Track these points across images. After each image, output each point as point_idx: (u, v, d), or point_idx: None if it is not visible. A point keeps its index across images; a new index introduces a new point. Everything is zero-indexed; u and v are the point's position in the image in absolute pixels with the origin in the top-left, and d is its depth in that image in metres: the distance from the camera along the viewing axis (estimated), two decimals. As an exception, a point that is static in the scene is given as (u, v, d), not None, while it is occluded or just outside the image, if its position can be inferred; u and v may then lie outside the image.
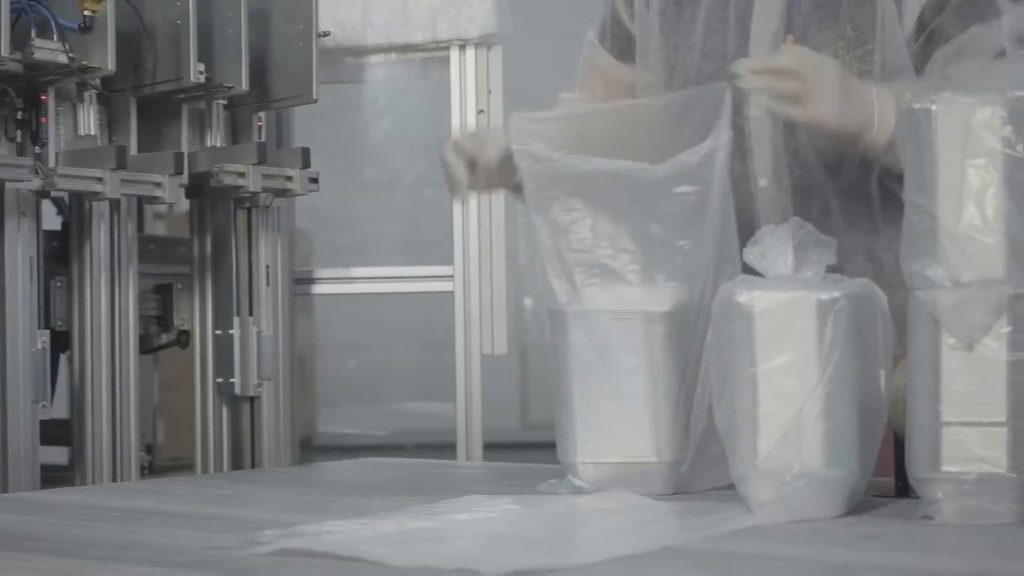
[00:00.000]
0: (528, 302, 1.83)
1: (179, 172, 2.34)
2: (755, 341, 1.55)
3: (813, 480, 1.51)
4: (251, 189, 2.43)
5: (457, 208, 2.84)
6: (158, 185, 2.33)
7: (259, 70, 2.53)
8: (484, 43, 2.85)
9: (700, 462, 1.70)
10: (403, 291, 2.98)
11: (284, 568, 1.25)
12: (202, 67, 2.39)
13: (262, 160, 2.42)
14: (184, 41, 2.34)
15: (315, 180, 2.55)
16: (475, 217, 2.83)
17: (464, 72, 2.86)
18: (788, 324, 1.53)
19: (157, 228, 3.43)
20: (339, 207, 4.17)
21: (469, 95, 2.85)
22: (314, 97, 2.49)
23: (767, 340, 1.54)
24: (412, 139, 3.47)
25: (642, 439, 1.71)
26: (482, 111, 2.85)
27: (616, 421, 1.71)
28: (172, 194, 2.35)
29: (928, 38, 1.93)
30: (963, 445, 1.46)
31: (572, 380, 1.73)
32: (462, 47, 2.85)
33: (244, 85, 2.42)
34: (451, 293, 2.84)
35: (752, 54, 1.97)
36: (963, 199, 1.46)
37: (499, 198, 2.84)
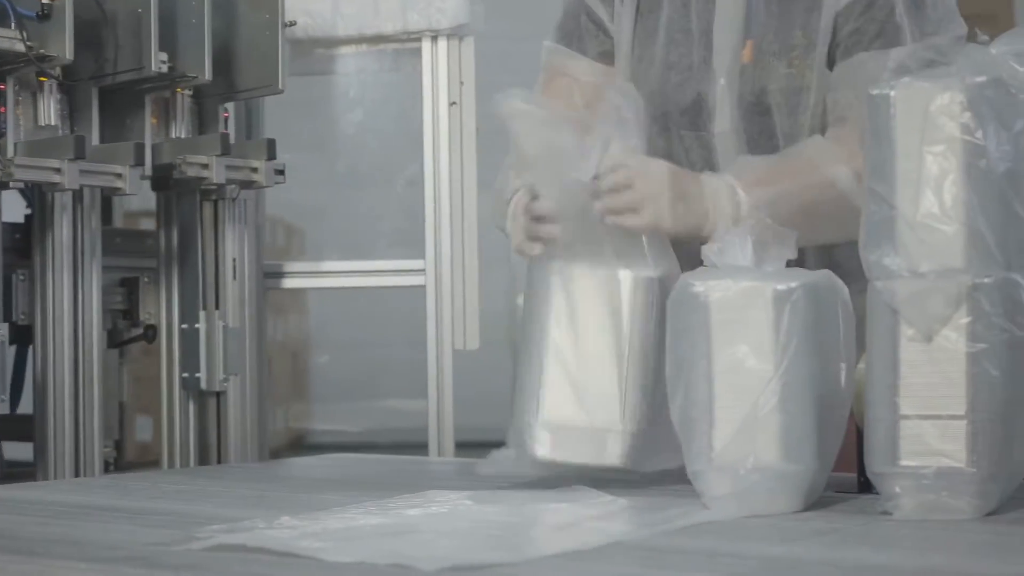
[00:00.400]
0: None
1: (140, 163, 2.31)
2: (711, 332, 1.52)
3: (769, 474, 1.48)
4: (215, 180, 2.40)
5: (429, 201, 2.81)
6: (119, 176, 2.30)
7: (225, 60, 2.50)
8: (456, 34, 2.82)
9: (660, 438, 1.66)
10: (374, 285, 2.95)
11: (215, 563, 1.23)
12: (164, 57, 2.36)
13: (225, 151, 2.39)
14: (145, 30, 2.31)
15: (281, 172, 2.52)
16: (447, 210, 2.80)
17: (436, 63, 2.83)
18: (744, 314, 1.51)
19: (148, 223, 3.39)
20: (312, 200, 4.16)
21: (441, 87, 2.82)
22: (280, 87, 2.46)
23: (723, 331, 1.51)
24: (384, 131, 3.43)
25: (609, 404, 1.67)
26: (454, 103, 2.82)
27: (586, 384, 1.68)
28: (133, 185, 2.31)
29: (835, 48, 1.91)
30: (921, 439, 1.43)
31: (547, 336, 1.69)
32: (434, 38, 2.82)
33: (207, 75, 2.39)
34: (423, 287, 2.81)
35: (716, 66, 1.94)
36: (921, 187, 1.43)
37: (471, 189, 2.82)
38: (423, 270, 2.82)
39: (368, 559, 1.19)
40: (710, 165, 1.94)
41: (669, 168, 1.79)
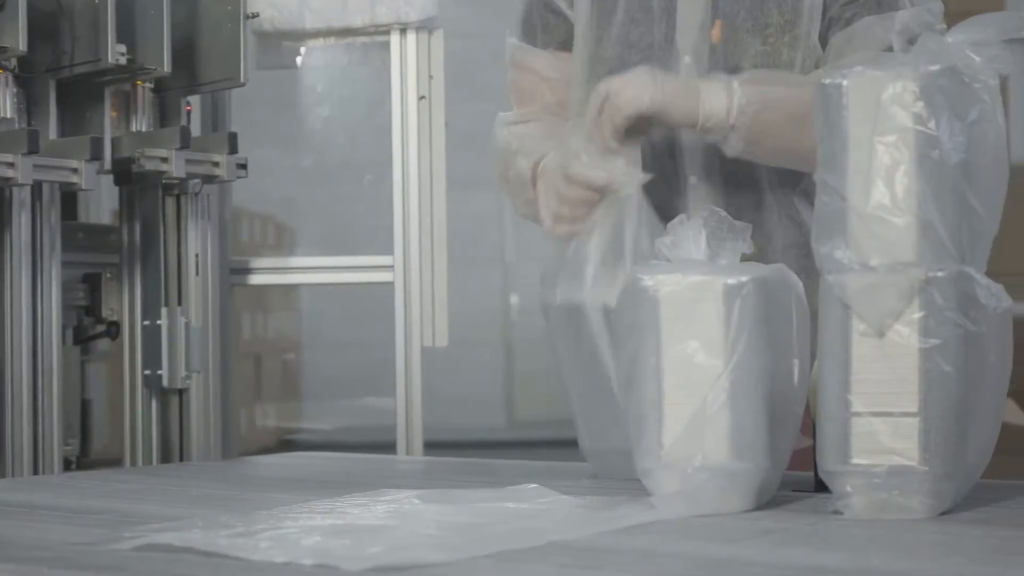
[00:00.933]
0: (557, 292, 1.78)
1: (97, 158, 2.27)
2: (660, 327, 1.49)
3: (717, 473, 1.45)
4: (174, 175, 2.37)
5: (397, 196, 2.78)
6: (74, 171, 2.27)
7: (186, 52, 2.47)
8: (425, 27, 2.79)
9: None
10: (342, 282, 2.91)
11: (138, 564, 1.19)
12: (123, 48, 2.32)
13: (185, 145, 2.36)
14: (103, 21, 2.27)
15: (243, 166, 2.49)
16: (416, 206, 2.77)
17: (405, 57, 2.80)
18: (693, 309, 1.47)
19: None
20: (279, 194, 4.13)
21: (410, 81, 2.79)
22: (242, 80, 2.43)
23: (672, 326, 1.48)
24: (353, 125, 3.40)
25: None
26: (423, 97, 2.78)
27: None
28: (89, 180, 2.28)
29: (829, 23, 1.88)
30: (873, 436, 1.40)
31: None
32: (402, 31, 2.79)
33: (166, 67, 2.35)
34: (391, 284, 2.78)
35: (679, 44, 1.91)
36: (872, 178, 1.40)
37: (440, 185, 2.78)
38: (392, 266, 2.78)
39: (295, 559, 1.16)
40: (673, 146, 1.91)
41: (649, 67, 1.79)
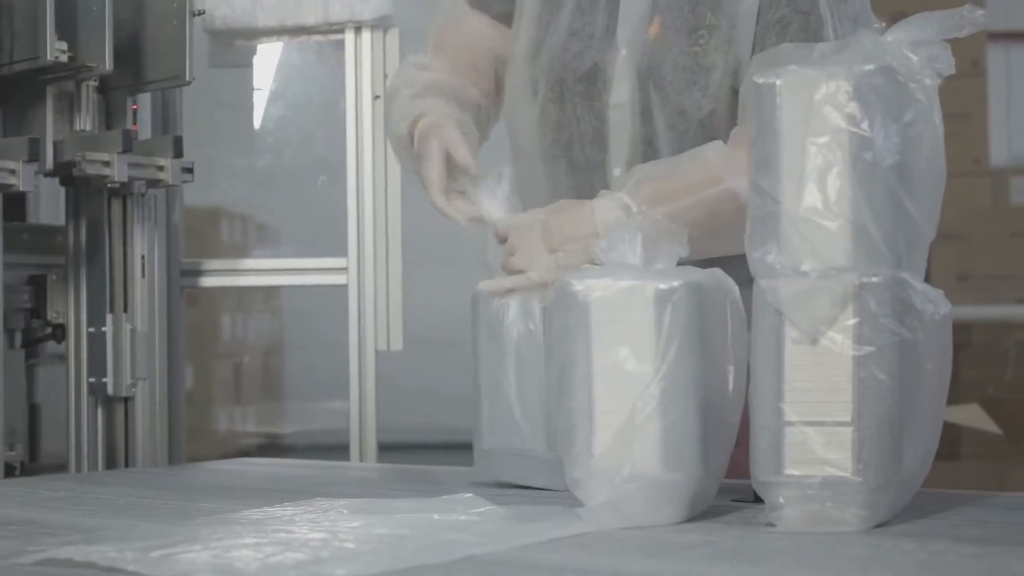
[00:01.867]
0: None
1: (35, 159, 2.23)
2: (590, 333, 1.46)
3: (647, 483, 1.42)
4: (116, 179, 2.32)
5: (351, 197, 2.74)
6: (12, 172, 2.22)
7: (131, 50, 2.42)
8: (380, 26, 2.75)
9: None
10: (295, 284, 2.87)
11: (32, 580, 1.16)
12: (64, 46, 2.28)
13: (128, 148, 2.31)
14: (42, 17, 2.23)
15: (190, 170, 2.44)
16: (370, 206, 2.73)
17: (359, 56, 2.76)
18: (624, 315, 1.44)
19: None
20: (232, 196, 4.10)
21: (364, 80, 2.75)
22: (188, 79, 2.38)
23: (602, 332, 1.45)
24: (307, 126, 3.37)
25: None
26: (378, 97, 2.75)
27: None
28: (26, 182, 2.23)
29: (763, 28, 1.86)
30: (806, 446, 1.37)
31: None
32: (357, 30, 2.75)
33: (108, 65, 2.31)
34: (345, 286, 2.74)
35: (620, 36, 1.90)
36: (805, 180, 1.37)
37: (395, 186, 2.74)
38: (345, 268, 2.75)
39: (189, 572, 1.13)
40: (601, 136, 1.90)
41: (546, 213, 1.80)
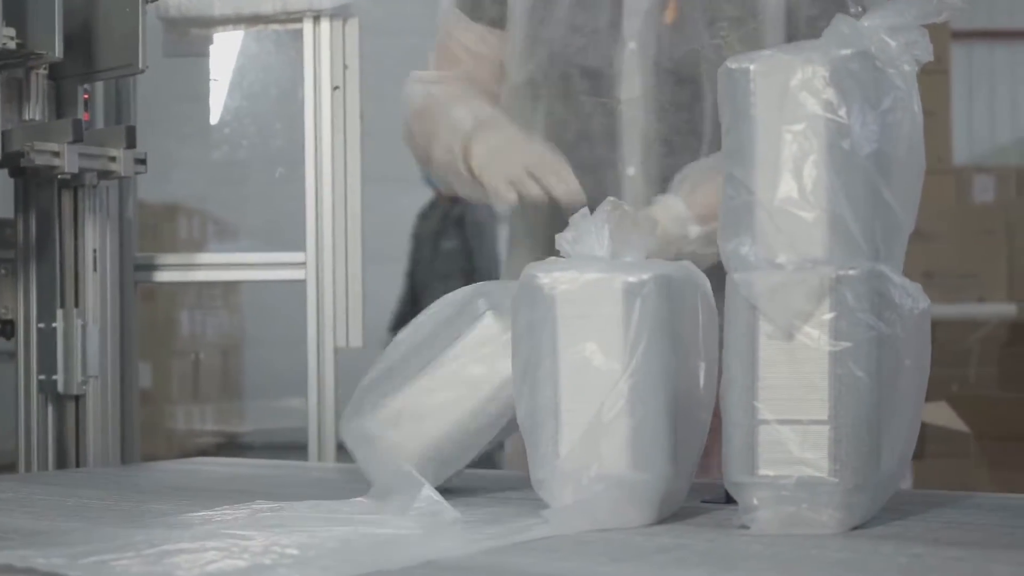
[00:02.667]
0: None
1: (-23, 148, 2.16)
2: (557, 328, 1.40)
3: (615, 484, 1.36)
4: (66, 170, 2.25)
5: (310, 190, 2.67)
6: (-44, 162, 2.15)
7: (83, 37, 2.35)
8: (339, 15, 2.68)
9: None
10: (252, 279, 2.80)
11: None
12: (12, 32, 2.20)
13: (78, 138, 2.24)
14: (-11, 3, 2.16)
15: (143, 161, 2.37)
16: (329, 200, 2.67)
17: (318, 46, 2.69)
18: (591, 309, 1.39)
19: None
20: (187, 189, 4.03)
21: (323, 70, 2.68)
22: (141, 67, 2.32)
23: (569, 327, 1.39)
24: (264, 117, 3.30)
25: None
26: (337, 87, 2.68)
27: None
28: (-30, 172, 2.17)
29: (796, 26, 1.80)
30: (781, 446, 1.32)
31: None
32: (315, 18, 2.68)
33: (58, 52, 2.23)
34: (303, 282, 2.67)
35: (626, 29, 1.83)
36: (780, 170, 1.32)
37: (355, 179, 2.68)
38: (303, 263, 2.68)
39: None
40: (611, 134, 1.83)
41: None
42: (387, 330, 5.91)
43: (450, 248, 6.39)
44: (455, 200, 6.56)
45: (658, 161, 1.85)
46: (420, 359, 1.60)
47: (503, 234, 6.61)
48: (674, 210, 1.74)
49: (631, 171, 1.85)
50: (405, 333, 1.64)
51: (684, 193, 1.74)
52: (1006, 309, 5.98)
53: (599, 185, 1.83)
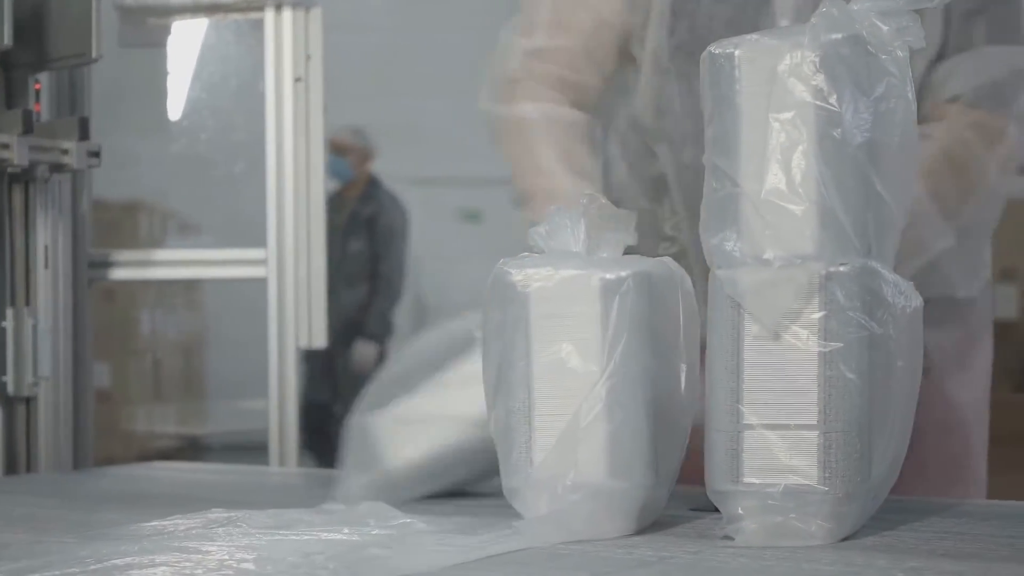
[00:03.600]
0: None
1: (-78, 140, 2.07)
2: (530, 327, 1.33)
3: (592, 493, 1.29)
4: (17, 163, 2.16)
5: (271, 185, 2.59)
6: (-102, 154, 2.06)
7: (34, 26, 2.27)
8: (302, 4, 2.60)
9: None
10: (211, 277, 2.72)
11: None
12: (-41, 20, 2.12)
13: (28, 130, 2.15)
14: (-67, -12, 2.07)
15: (96, 154, 2.28)
16: (291, 195, 2.58)
17: (280, 36, 2.61)
18: (567, 307, 1.31)
19: None
20: (146, 183, 3.94)
21: (285, 61, 2.60)
22: (94, 56, 2.23)
23: (543, 326, 1.32)
24: (224, 109, 3.22)
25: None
26: (299, 79, 2.60)
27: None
28: (-87, 164, 2.07)
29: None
30: (768, 452, 1.25)
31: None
32: (277, 7, 2.60)
33: (7, 40, 2.14)
34: (264, 279, 2.59)
35: (777, 6, 1.70)
36: (767, 160, 1.25)
37: (318, 173, 2.60)
38: (264, 260, 2.60)
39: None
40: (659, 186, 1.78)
41: None
42: None
43: (357, 250, 6.17)
44: (366, 198, 6.34)
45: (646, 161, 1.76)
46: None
47: (412, 243, 6.44)
48: None
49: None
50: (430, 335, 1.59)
51: None
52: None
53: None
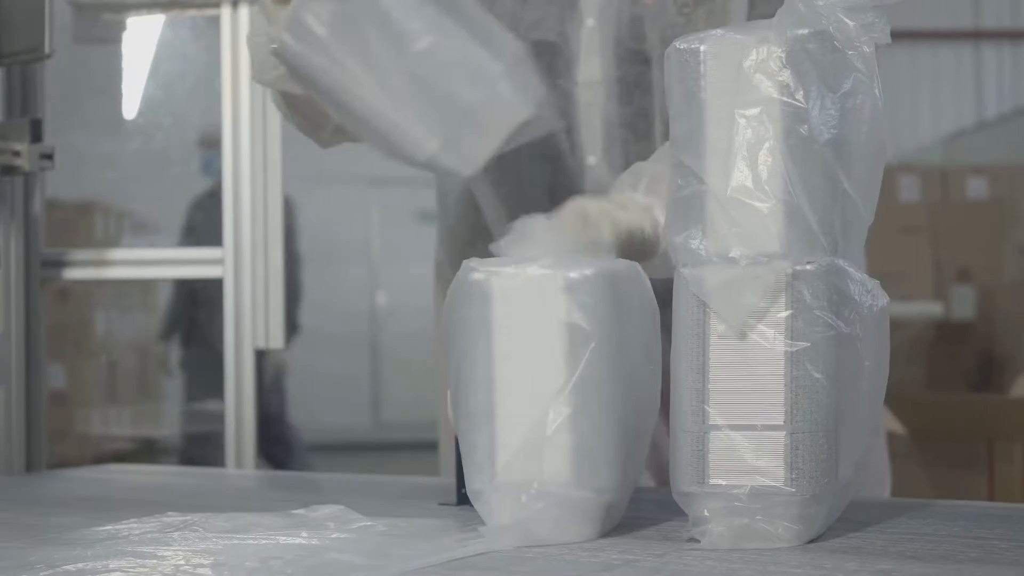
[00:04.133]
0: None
1: None
2: (493, 328, 1.30)
3: (557, 501, 1.26)
4: (-35, 164, 2.12)
5: (228, 183, 2.55)
6: None
7: (-15, 21, 2.23)
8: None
9: None
10: (167, 276, 2.69)
11: None
12: (-93, 14, 2.08)
13: (-24, 131, 2.12)
14: None
15: (49, 156, 2.24)
16: (248, 194, 2.55)
17: (237, 32, 2.58)
18: (532, 308, 1.29)
19: None
20: (102, 183, 3.90)
21: (243, 58, 2.57)
22: (46, 52, 2.19)
23: (507, 327, 1.29)
24: (179, 107, 3.18)
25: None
26: (257, 76, 2.56)
27: None
28: None
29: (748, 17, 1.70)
30: (733, 453, 1.23)
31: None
32: (234, 4, 2.57)
33: (-45, 36, 2.11)
34: (220, 279, 2.55)
35: (584, 5, 1.70)
36: (733, 157, 1.23)
37: (275, 171, 2.57)
38: (221, 260, 2.56)
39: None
40: (569, 119, 1.71)
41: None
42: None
43: None
44: None
45: (622, 149, 1.74)
46: None
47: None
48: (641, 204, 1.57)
49: (591, 160, 1.74)
50: None
51: (644, 187, 1.59)
52: (932, 308, 5.97)
53: (557, 175, 1.73)
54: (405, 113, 1.47)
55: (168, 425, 6.62)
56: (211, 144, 5.70)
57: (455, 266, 1.35)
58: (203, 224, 5.58)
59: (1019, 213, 6.18)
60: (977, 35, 11.71)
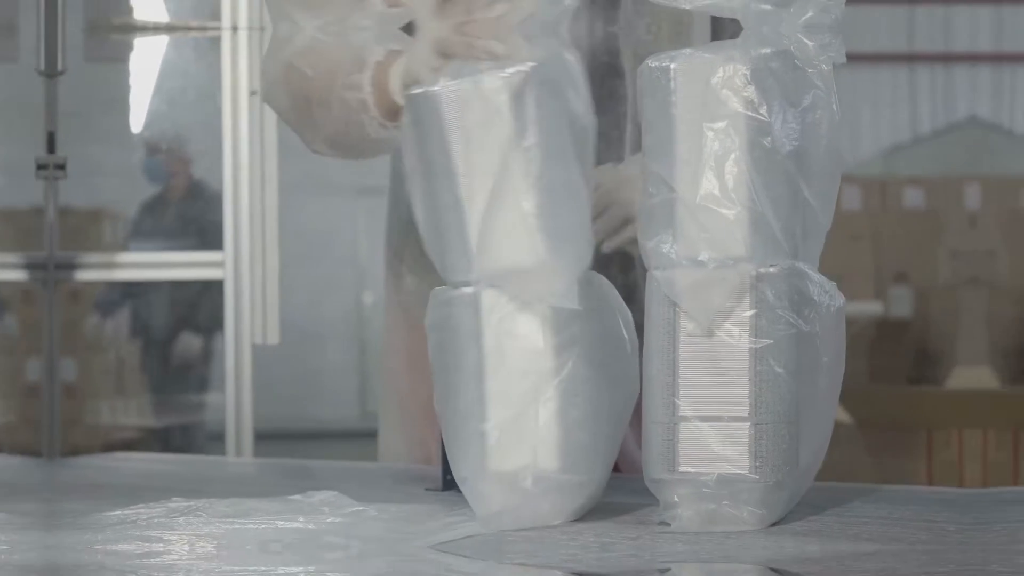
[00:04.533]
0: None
1: None
2: (480, 318, 1.27)
3: (546, 488, 1.24)
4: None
5: (228, 191, 2.53)
6: None
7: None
8: (256, 27, 2.54)
9: None
10: (171, 278, 2.66)
11: None
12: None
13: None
14: None
15: (62, 167, 2.21)
16: (246, 201, 2.52)
17: (236, 52, 2.55)
18: (514, 314, 1.26)
19: None
20: (109, 191, 3.84)
21: (241, 75, 2.54)
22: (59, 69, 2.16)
23: (493, 305, 1.27)
24: (182, 121, 3.15)
25: None
26: (255, 92, 2.54)
27: None
28: None
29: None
30: (702, 443, 1.21)
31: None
32: (233, 29, 2.54)
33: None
34: (221, 281, 2.52)
35: None
36: (701, 167, 1.21)
37: (273, 180, 2.54)
38: (222, 263, 2.53)
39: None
40: None
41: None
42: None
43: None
44: (190, 198, 5.94)
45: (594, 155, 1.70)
46: None
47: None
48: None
49: None
50: None
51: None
52: (873, 307, 5.98)
53: None
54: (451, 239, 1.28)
55: (171, 416, 6.57)
56: (154, 151, 5.50)
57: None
58: (152, 226, 5.38)
59: (952, 221, 6.20)
60: (912, 58, 11.75)
